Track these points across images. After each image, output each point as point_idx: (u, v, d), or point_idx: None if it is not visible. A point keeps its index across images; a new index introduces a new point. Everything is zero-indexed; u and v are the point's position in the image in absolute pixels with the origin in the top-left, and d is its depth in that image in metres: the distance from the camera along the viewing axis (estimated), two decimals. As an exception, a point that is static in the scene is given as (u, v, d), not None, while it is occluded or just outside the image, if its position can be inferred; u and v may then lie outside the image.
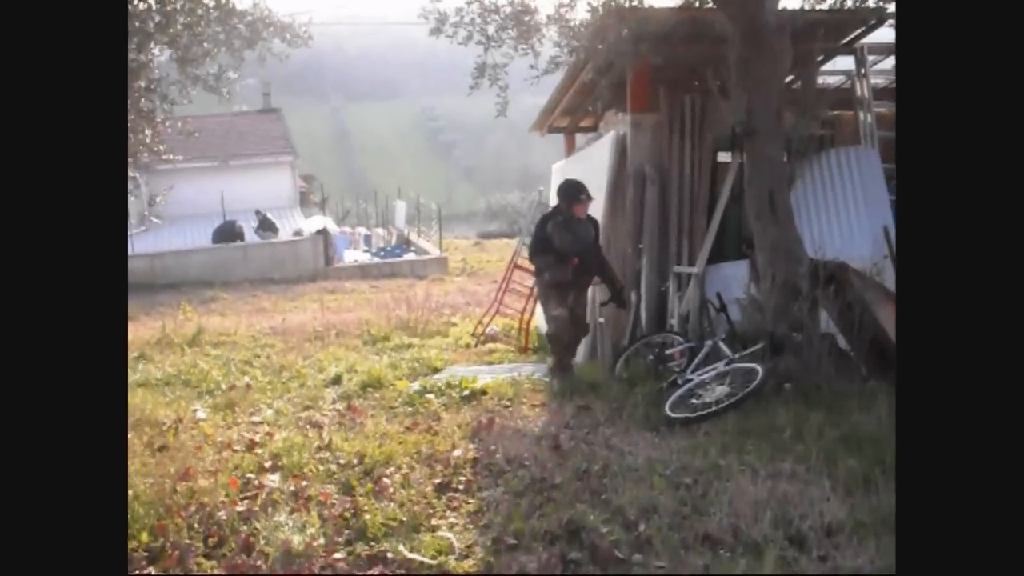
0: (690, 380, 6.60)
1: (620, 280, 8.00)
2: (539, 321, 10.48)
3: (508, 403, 6.87)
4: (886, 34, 9.27)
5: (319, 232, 22.85)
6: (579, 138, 12.87)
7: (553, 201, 10.49)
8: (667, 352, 7.52)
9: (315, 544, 3.86)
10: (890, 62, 9.88)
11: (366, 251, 25.96)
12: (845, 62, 9.86)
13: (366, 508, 4.29)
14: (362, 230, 29.80)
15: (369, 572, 3.70)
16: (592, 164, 9.43)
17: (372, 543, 3.95)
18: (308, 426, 6.24)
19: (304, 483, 4.72)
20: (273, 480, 4.81)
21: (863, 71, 9.45)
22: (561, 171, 11.19)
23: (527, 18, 7.54)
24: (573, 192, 7.71)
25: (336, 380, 8.10)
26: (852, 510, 4.12)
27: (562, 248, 7.45)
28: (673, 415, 6.00)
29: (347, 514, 4.26)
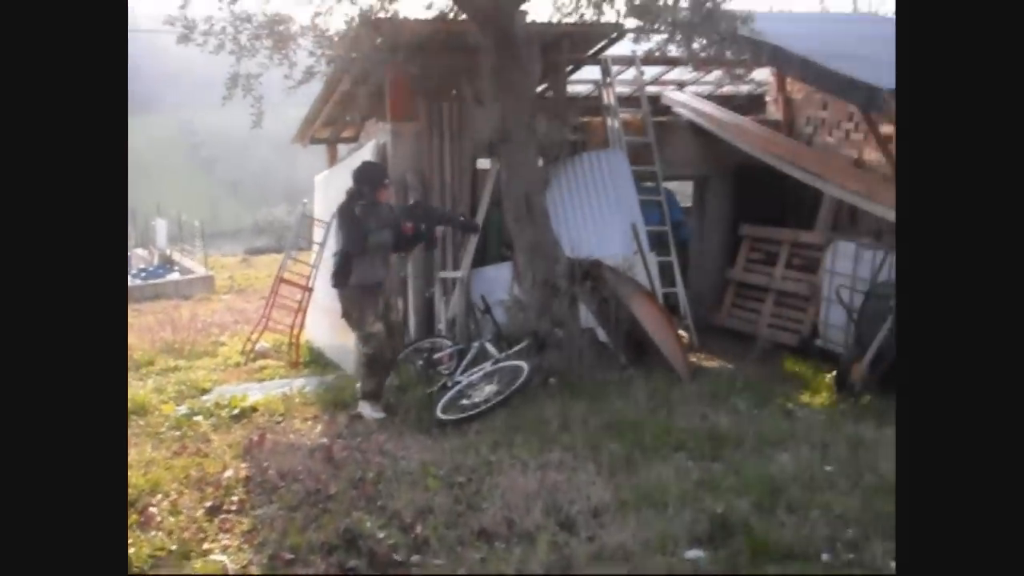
0: (459, 382, 6.75)
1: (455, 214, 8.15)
2: (311, 334, 10.33)
3: (280, 418, 6.75)
4: (627, 47, 9.90)
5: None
6: (342, 149, 12.80)
7: (319, 213, 10.42)
8: (436, 356, 7.63)
9: (74, 583, 3.65)
10: (631, 73, 10.55)
11: (124, 273, 24.54)
12: (592, 72, 10.43)
13: (131, 541, 4.10)
14: (119, 251, 28.10)
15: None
16: (355, 174, 9.40)
17: (138, 576, 3.80)
18: (63, 460, 5.85)
19: (60, 520, 4.44)
20: (24, 520, 4.49)
21: (608, 80, 10.07)
22: (324, 182, 11.09)
23: (281, 27, 7.39)
24: (377, 176, 6.92)
25: (94, 410, 7.61)
26: (616, 490, 4.42)
27: (370, 235, 6.58)
28: (444, 417, 6.13)
29: (110, 548, 4.05)
